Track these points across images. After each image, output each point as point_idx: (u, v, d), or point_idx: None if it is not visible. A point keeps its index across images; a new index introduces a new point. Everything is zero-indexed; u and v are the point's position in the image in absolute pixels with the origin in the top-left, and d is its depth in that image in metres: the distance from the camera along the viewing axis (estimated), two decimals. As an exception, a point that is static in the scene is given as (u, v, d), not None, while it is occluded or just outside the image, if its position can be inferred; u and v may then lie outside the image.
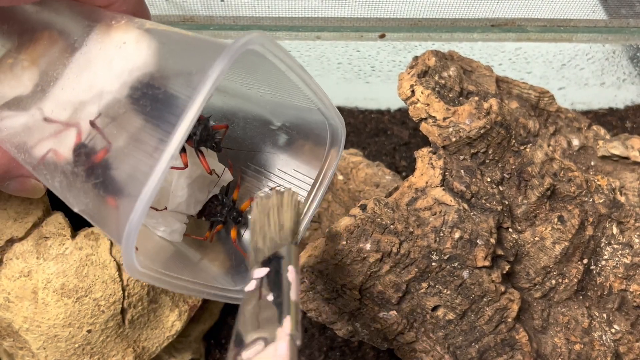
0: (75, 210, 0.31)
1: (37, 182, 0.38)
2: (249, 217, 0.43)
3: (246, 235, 0.43)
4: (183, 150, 0.38)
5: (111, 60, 0.32)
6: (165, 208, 0.40)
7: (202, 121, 0.38)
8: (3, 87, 0.36)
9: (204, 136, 0.38)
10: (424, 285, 0.41)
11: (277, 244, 0.32)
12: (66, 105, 0.32)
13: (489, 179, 0.44)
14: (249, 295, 0.30)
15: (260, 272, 0.31)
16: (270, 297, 0.29)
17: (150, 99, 0.30)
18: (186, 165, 0.38)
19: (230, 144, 0.44)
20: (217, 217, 0.42)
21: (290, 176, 0.43)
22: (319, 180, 0.41)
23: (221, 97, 0.43)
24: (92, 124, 0.31)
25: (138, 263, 0.28)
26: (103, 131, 0.31)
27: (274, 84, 0.38)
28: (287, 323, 0.28)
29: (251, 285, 0.31)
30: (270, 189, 0.42)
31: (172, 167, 0.39)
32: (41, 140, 0.33)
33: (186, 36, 0.33)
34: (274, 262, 0.31)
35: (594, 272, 0.47)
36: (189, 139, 0.37)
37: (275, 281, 0.30)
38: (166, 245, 0.41)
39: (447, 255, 0.41)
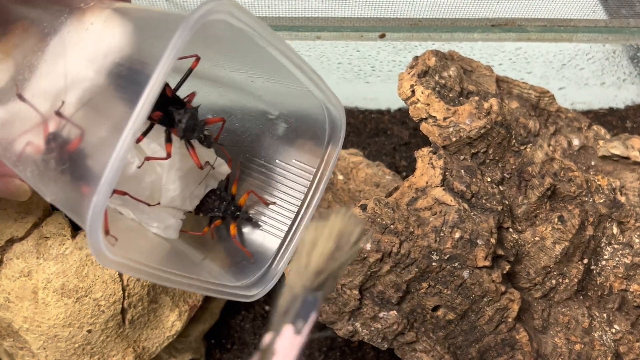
0: (48, 199, 0.30)
1: (21, 183, 0.36)
2: (250, 212, 0.42)
3: (246, 230, 0.42)
4: (169, 140, 0.36)
5: (82, 44, 0.31)
6: (159, 203, 0.39)
7: (188, 109, 0.36)
8: None
9: (191, 125, 0.36)
10: (424, 285, 0.41)
11: (295, 294, 0.25)
12: (43, 95, 0.31)
13: (489, 179, 0.44)
14: None
15: (268, 337, 0.24)
16: None
17: (126, 81, 0.29)
18: (169, 155, 0.36)
19: (228, 136, 0.42)
20: (215, 212, 0.41)
21: (291, 167, 0.42)
22: (319, 174, 0.40)
23: (215, 90, 0.42)
24: (58, 113, 0.30)
25: (115, 253, 0.26)
26: (75, 120, 0.30)
27: (261, 65, 0.36)
28: None
29: (256, 357, 0.24)
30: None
31: (153, 158, 0.37)
32: (19, 133, 0.32)
33: (154, 12, 0.31)
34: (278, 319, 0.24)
35: (594, 272, 0.46)
36: (174, 127, 0.36)
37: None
38: (162, 243, 0.40)
39: (448, 255, 0.41)
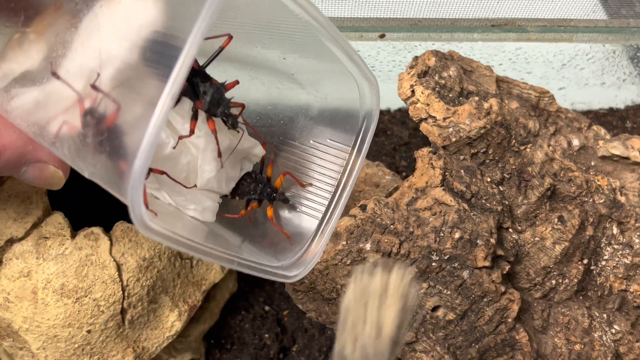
0: (86, 175, 0.30)
1: (56, 169, 0.36)
2: (287, 194, 0.42)
3: (283, 212, 0.42)
4: (195, 117, 0.36)
5: (115, 19, 0.31)
6: (195, 186, 0.39)
7: (214, 84, 0.36)
8: (10, 63, 0.34)
9: (216, 99, 0.35)
10: (424, 285, 0.41)
11: (369, 357, 0.23)
12: (79, 71, 0.31)
13: (489, 179, 0.44)
14: None
15: None
16: None
17: (158, 56, 0.29)
18: (192, 132, 0.36)
19: (262, 119, 0.42)
20: (251, 195, 0.41)
21: (326, 147, 0.41)
22: (354, 152, 0.39)
23: (246, 72, 0.42)
24: (94, 86, 0.30)
25: (158, 225, 0.26)
26: (110, 94, 0.30)
27: (293, 38, 0.36)
28: None
29: None
30: (373, 261, 0.35)
31: (184, 136, 0.37)
32: (55, 112, 0.32)
33: None
34: None
35: (594, 272, 0.46)
36: (199, 99, 0.36)
37: None
38: (200, 226, 0.39)
39: (447, 256, 0.41)
